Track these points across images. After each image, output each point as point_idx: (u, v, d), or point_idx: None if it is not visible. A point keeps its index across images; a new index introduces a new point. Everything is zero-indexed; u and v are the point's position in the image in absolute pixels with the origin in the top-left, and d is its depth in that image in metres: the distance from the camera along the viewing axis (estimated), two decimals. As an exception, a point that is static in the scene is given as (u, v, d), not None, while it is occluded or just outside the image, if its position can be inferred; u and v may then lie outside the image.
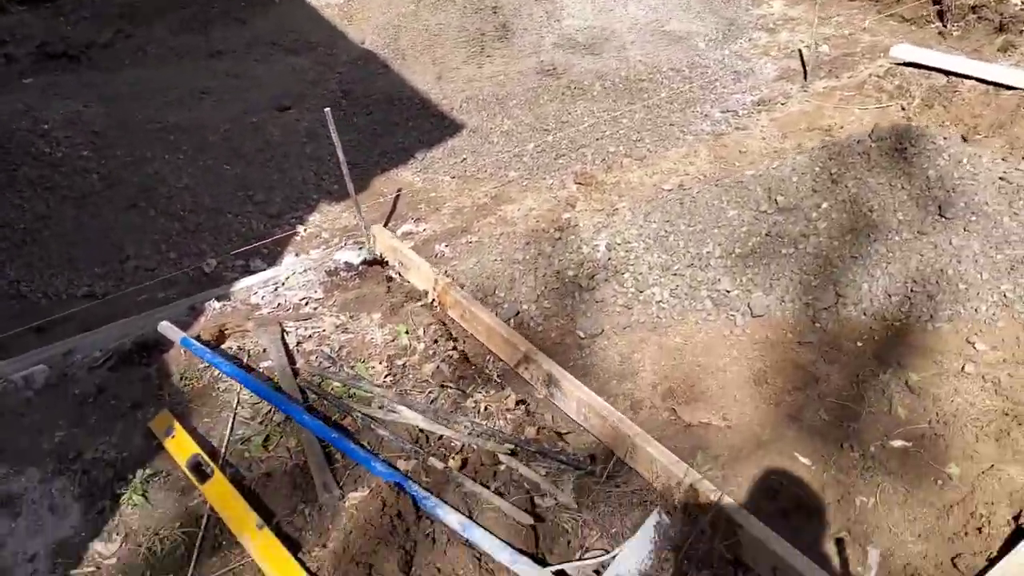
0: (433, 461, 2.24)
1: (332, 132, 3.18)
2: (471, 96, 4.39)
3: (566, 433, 2.49)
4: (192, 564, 2.11)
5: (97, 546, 2.21)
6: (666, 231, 3.25)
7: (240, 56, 5.32)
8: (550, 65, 4.71)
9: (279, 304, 3.02)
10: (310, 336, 2.81)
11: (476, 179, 3.95)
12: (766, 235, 3.16)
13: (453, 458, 2.26)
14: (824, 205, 3.19)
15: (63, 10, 6.46)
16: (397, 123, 4.34)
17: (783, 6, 5.63)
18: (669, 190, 3.66)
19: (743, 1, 5.68)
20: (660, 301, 3.07)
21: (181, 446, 2.40)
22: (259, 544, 2.10)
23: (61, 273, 3.40)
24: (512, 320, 3.05)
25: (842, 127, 3.98)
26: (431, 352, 2.72)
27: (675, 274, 3.13)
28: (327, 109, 3.15)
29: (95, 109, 4.08)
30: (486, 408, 2.49)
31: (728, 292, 3.04)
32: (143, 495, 2.31)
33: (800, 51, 4.81)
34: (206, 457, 2.33)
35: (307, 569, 2.05)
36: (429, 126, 4.28)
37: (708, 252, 3.16)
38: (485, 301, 3.08)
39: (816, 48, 4.96)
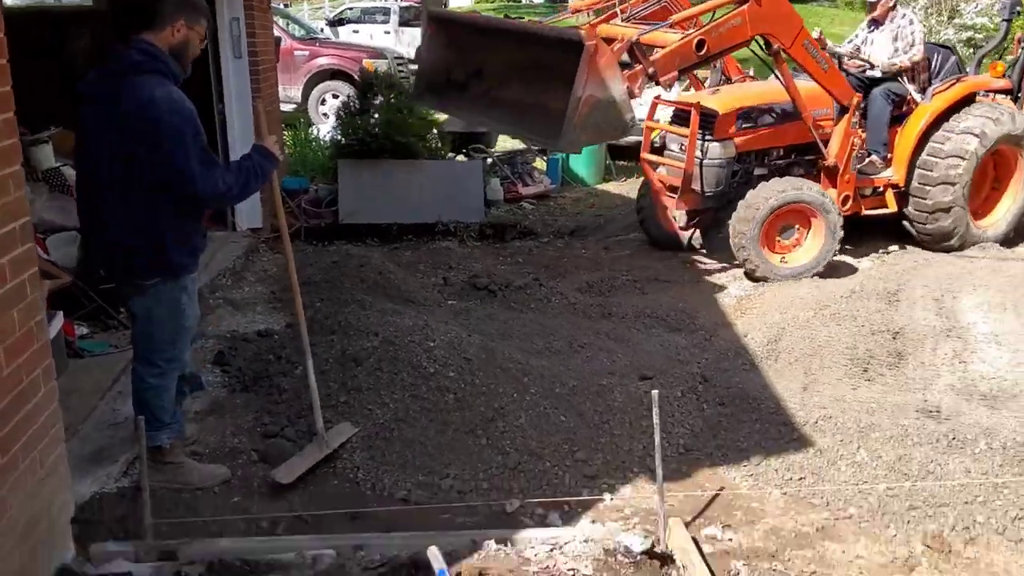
0: None
1: (655, 414, 3.18)
2: (831, 415, 4.10)
3: None
4: None
5: None
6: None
7: (626, 322, 5.65)
8: (934, 407, 4.24)
9: (546, 567, 2.97)
10: (559, 611, 2.70)
11: (808, 503, 3.61)
12: None
13: None
14: None
15: (504, 251, 7.55)
16: (744, 421, 4.19)
17: None
18: (1041, 591, 2.97)
19: None
20: None
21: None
22: None
23: (391, 472, 3.75)
24: None
25: None
26: None
27: None
28: (654, 392, 3.18)
29: (473, 339, 4.59)
30: None
31: None
32: None
33: None
34: None
35: None
36: (776, 433, 4.06)
37: None
38: (760, 644, 2.70)
39: None
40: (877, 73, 7.05)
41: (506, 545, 3.11)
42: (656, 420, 3.18)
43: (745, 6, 5.61)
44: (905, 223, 7.15)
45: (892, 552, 3.25)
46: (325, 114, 13.79)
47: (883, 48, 7.06)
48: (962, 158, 6.76)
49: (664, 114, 7.28)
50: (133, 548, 3.03)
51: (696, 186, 6.60)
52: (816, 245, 6.54)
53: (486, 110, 5.49)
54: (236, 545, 3.11)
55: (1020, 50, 7.81)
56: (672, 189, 6.80)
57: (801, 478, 3.76)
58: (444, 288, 6.38)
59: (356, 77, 13.65)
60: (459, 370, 4.26)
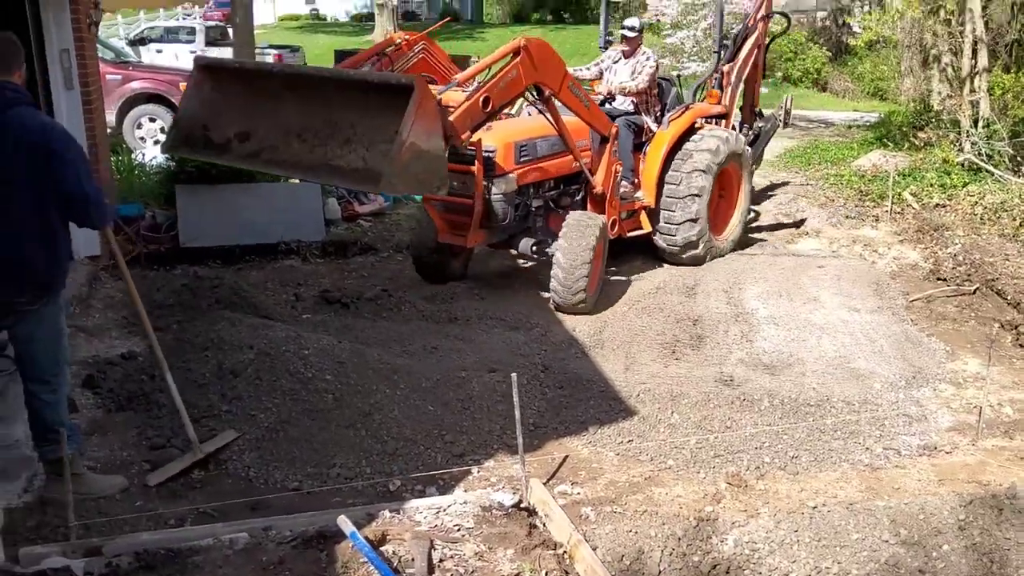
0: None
1: (515, 393, 3.85)
2: (650, 389, 4.95)
3: None
4: None
5: None
6: (792, 539, 3.49)
7: (470, 325, 6.31)
8: (728, 376, 5.20)
9: (435, 525, 3.56)
10: (452, 556, 3.30)
11: (637, 460, 4.41)
12: (884, 563, 3.31)
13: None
14: (945, 547, 3.32)
15: (348, 267, 8.01)
16: (580, 400, 4.96)
17: (979, 365, 5.80)
18: (814, 507, 3.88)
19: (938, 354, 5.93)
20: (772, 603, 3.27)
21: (326, 617, 2.91)
22: None
23: (281, 468, 4.20)
24: (630, 587, 3.36)
25: (1000, 484, 4.05)
26: (546, 592, 3.10)
27: (791, 581, 3.33)
28: (513, 375, 3.86)
29: (344, 345, 5.10)
30: (577, 649, 2.80)
31: (838, 609, 3.19)
32: (286, 648, 2.81)
33: (980, 408, 4.90)
34: (341, 630, 2.82)
35: None
36: (607, 407, 4.86)
37: (826, 567, 3.35)
38: (610, 565, 3.43)
39: (999, 409, 5.08)
40: (622, 107, 7.73)
41: (398, 513, 3.67)
42: (516, 398, 3.85)
43: (518, 59, 5.62)
44: (657, 243, 7.76)
45: (703, 490, 4.09)
46: (142, 138, 13.58)
47: (622, 77, 7.74)
48: (698, 195, 7.54)
49: None
50: (60, 548, 3.33)
51: (485, 222, 6.67)
52: (599, 270, 6.83)
53: (260, 165, 4.90)
54: (156, 537, 3.47)
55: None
56: (457, 226, 6.78)
57: (630, 440, 4.57)
58: (297, 303, 6.78)
59: (174, 101, 13.62)
60: (334, 373, 4.76)
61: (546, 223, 7.08)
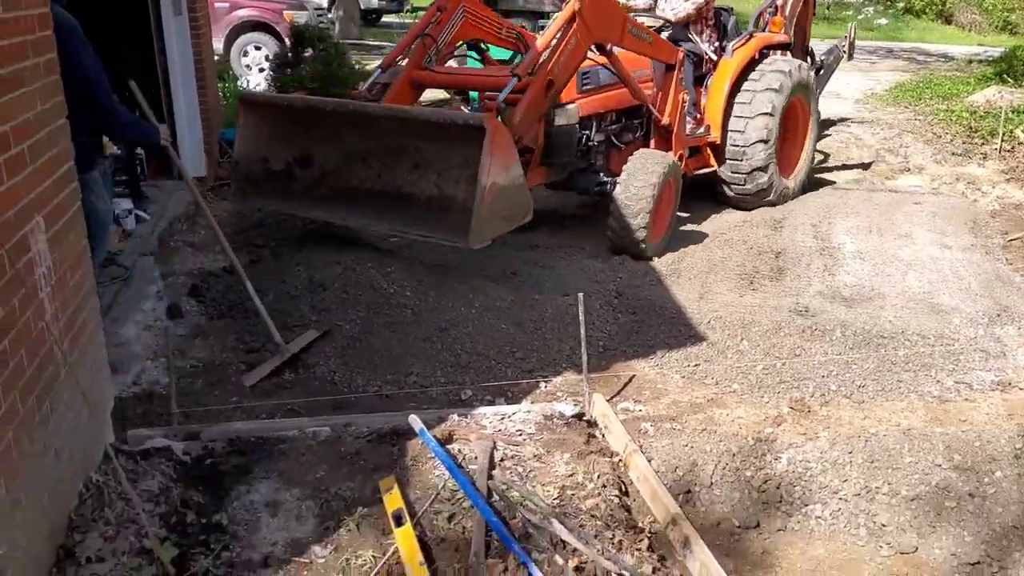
0: (557, 558, 2.80)
1: (580, 311, 4.01)
2: (721, 316, 5.02)
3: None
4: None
5: (316, 548, 3.02)
6: (845, 460, 3.56)
7: (549, 252, 6.46)
8: (803, 307, 5.21)
9: (500, 429, 3.78)
10: (512, 456, 3.52)
11: (702, 383, 4.52)
12: (935, 485, 3.35)
13: (571, 560, 2.80)
14: (998, 474, 3.33)
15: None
16: (651, 325, 5.07)
17: (1074, 304, 5.61)
18: (873, 433, 3.92)
19: (1031, 291, 5.76)
20: (819, 517, 3.38)
21: (393, 501, 3.18)
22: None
23: (363, 373, 4.50)
24: (682, 495, 3.52)
25: (1074, 421, 3.99)
26: (597, 492, 3.29)
27: (841, 498, 3.42)
28: (580, 294, 4.01)
29: (424, 265, 5.35)
30: (620, 542, 2.99)
31: (884, 526, 3.27)
32: (356, 526, 3.11)
33: (1068, 347, 4.79)
34: (406, 513, 3.09)
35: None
36: (677, 333, 4.96)
37: (876, 487, 3.42)
38: (663, 475, 3.59)
39: (1088, 347, 4.94)
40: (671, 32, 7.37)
41: (466, 418, 3.91)
42: (581, 315, 4.01)
43: (575, 24, 5.22)
44: (721, 174, 7.32)
45: (765, 413, 4.18)
46: (248, 66, 14.05)
47: (676, 6, 7.43)
48: (770, 114, 7.12)
49: None
50: (163, 432, 3.71)
51: (546, 158, 6.13)
52: (669, 214, 6.48)
53: (327, 202, 4.92)
54: (248, 426, 3.83)
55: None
56: None
57: (696, 365, 4.67)
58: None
59: (279, 29, 14.03)
60: (414, 290, 5.02)
61: (607, 161, 6.67)
